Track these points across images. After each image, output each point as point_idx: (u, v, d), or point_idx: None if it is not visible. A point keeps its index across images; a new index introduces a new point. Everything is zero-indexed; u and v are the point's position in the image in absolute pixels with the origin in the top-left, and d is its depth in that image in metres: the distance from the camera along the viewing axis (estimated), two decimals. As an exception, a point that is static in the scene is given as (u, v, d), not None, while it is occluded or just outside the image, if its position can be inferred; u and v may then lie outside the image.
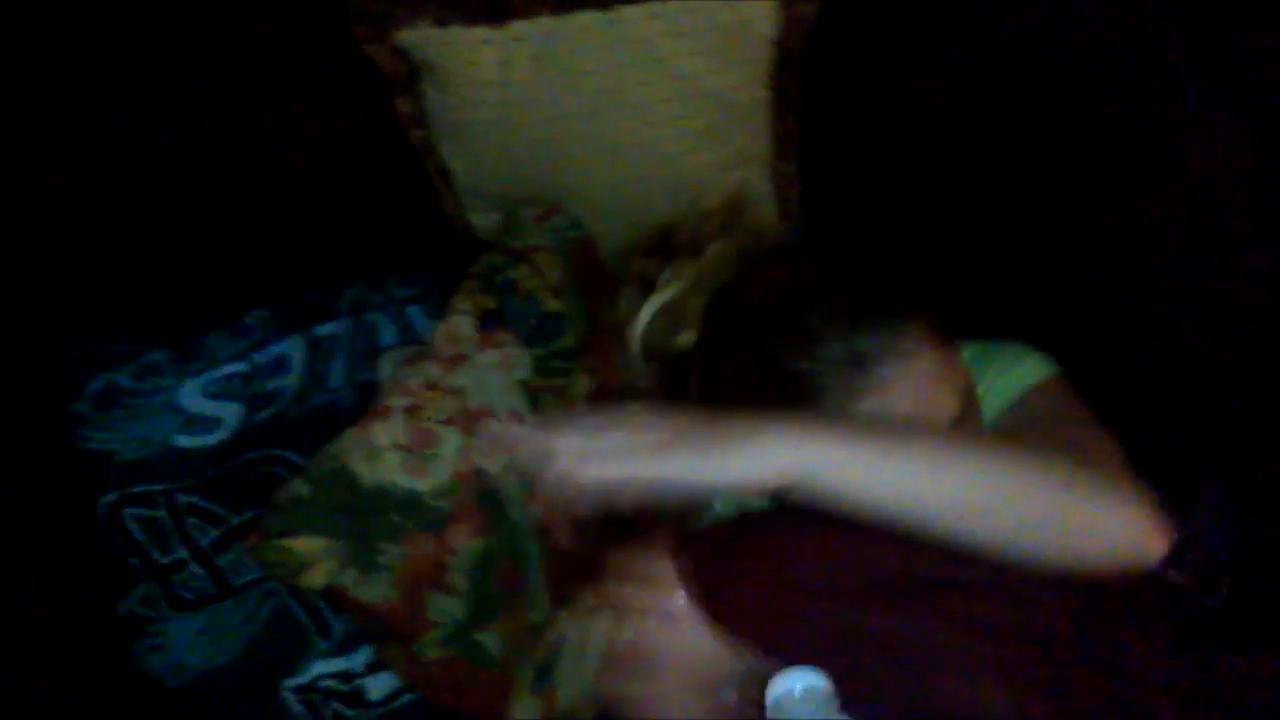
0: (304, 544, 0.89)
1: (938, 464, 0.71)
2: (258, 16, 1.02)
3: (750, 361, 0.85)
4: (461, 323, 0.99)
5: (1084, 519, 0.72)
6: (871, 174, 1.16)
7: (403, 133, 1.11)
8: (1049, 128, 1.04)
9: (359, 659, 1.03)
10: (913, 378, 0.81)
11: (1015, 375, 0.91)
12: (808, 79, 1.10)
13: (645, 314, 0.93)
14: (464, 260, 1.09)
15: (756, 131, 1.13)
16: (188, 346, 0.99)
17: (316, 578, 0.90)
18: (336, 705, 1.02)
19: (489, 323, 1.01)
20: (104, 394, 0.96)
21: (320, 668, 1.02)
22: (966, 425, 0.84)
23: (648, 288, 0.95)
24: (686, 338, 0.92)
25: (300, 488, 0.91)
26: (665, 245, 0.97)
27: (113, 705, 0.97)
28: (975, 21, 1.05)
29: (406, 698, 1.02)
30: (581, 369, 1.06)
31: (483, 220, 1.20)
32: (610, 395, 1.04)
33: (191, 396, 0.97)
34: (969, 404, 0.86)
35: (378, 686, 1.03)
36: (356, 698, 1.03)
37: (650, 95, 1.10)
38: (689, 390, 0.92)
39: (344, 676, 1.03)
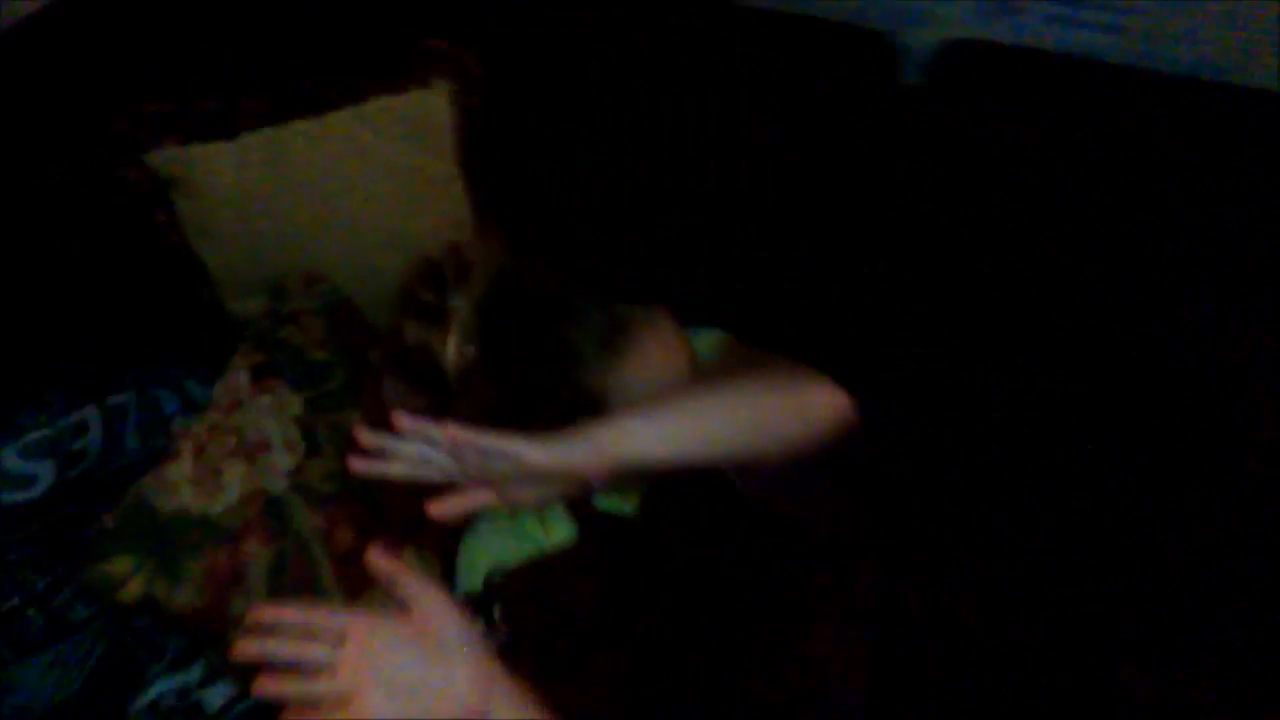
0: (117, 565, 1.09)
1: (703, 416, 0.95)
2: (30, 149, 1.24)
3: (534, 340, 1.04)
4: (238, 375, 1.23)
5: (801, 402, 0.99)
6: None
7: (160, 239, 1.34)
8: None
9: (194, 674, 1.21)
10: (660, 337, 1.06)
11: (705, 343, 1.19)
12: (486, 152, 1.38)
13: (454, 339, 1.07)
14: (226, 341, 1.31)
15: (455, 199, 1.41)
16: (11, 419, 1.18)
17: (133, 591, 1.10)
18: (179, 715, 1.20)
19: (261, 373, 1.24)
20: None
21: (159, 687, 1.20)
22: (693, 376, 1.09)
23: (436, 315, 1.13)
24: (470, 350, 1.09)
25: (109, 522, 1.11)
26: (437, 277, 1.17)
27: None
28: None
29: (242, 705, 1.19)
30: (350, 406, 1.29)
31: (239, 306, 1.41)
32: (376, 425, 1.26)
33: (10, 458, 1.15)
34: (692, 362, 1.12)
35: (214, 697, 1.21)
36: (196, 710, 1.20)
37: (363, 180, 1.36)
38: (475, 394, 1.07)
39: (182, 693, 1.21)
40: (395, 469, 0.89)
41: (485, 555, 1.13)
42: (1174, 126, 1.27)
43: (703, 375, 1.12)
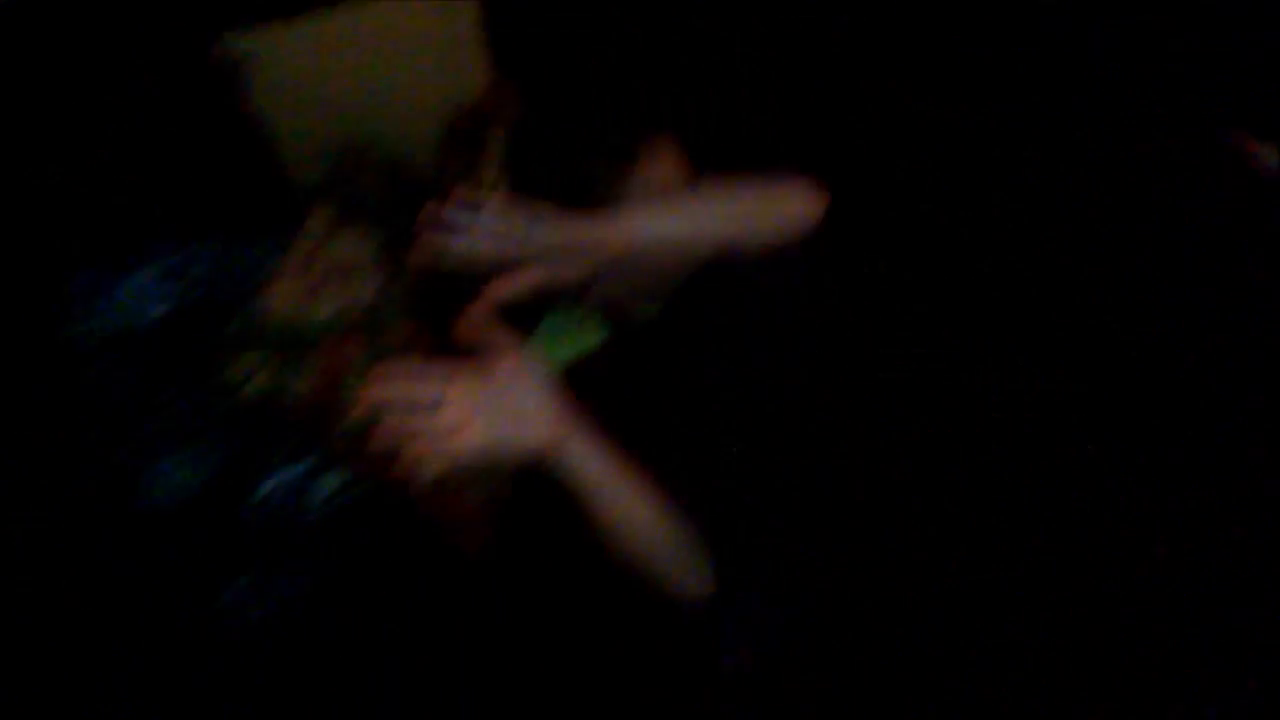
0: (244, 362, 1.30)
1: (697, 208, 1.18)
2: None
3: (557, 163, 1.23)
4: (324, 216, 1.44)
5: (773, 199, 1.22)
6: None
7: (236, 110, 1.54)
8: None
9: (300, 469, 1.41)
10: (665, 158, 1.26)
11: None
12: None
13: (491, 166, 1.33)
14: (294, 206, 1.52)
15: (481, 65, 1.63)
16: (130, 249, 1.38)
17: (258, 384, 1.30)
18: (290, 508, 1.40)
19: (343, 214, 1.45)
20: (79, 289, 1.34)
21: (271, 482, 1.40)
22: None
23: (476, 144, 1.34)
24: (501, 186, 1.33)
25: (235, 327, 1.31)
26: (476, 115, 1.39)
27: (118, 540, 1.32)
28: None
29: (348, 495, 1.39)
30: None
31: (301, 173, 1.62)
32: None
33: (146, 278, 1.35)
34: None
35: (320, 489, 1.41)
36: (304, 502, 1.41)
37: (403, 52, 1.57)
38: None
39: (291, 486, 1.41)
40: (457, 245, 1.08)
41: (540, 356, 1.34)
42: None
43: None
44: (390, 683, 1.32)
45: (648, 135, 1.31)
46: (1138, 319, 1.28)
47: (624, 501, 1.06)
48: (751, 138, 1.60)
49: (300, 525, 1.40)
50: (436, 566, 1.39)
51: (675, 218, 1.17)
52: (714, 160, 1.41)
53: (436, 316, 1.43)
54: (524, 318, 1.37)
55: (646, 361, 1.29)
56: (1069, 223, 1.36)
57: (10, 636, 1.25)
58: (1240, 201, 1.34)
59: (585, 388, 1.28)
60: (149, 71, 1.47)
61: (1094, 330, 1.28)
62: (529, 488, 1.27)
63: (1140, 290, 1.29)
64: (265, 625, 1.36)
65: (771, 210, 1.22)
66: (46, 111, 1.41)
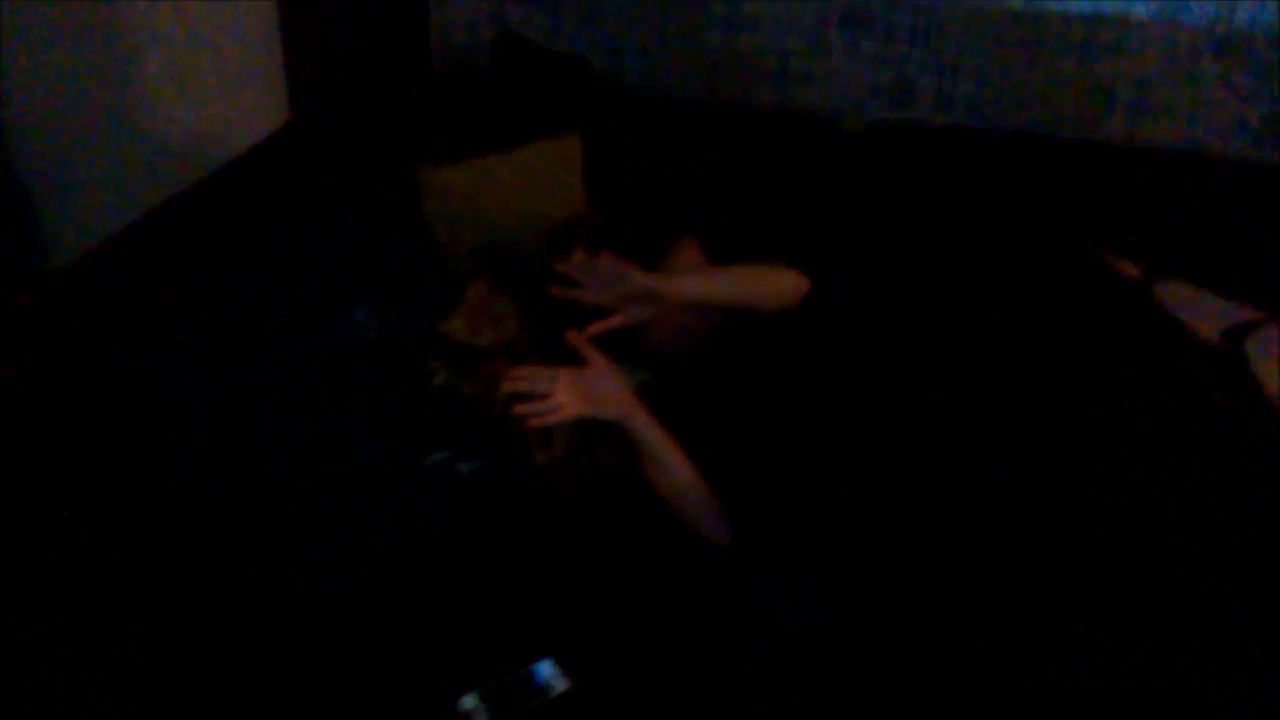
0: (433, 364, 1.95)
1: (721, 277, 1.89)
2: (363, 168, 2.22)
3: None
4: (482, 284, 2.09)
5: (776, 276, 1.91)
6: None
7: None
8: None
9: (450, 451, 2.02)
10: (687, 249, 2.02)
11: None
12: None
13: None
14: (452, 286, 2.21)
15: (578, 201, 2.38)
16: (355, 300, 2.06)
17: (440, 379, 1.93)
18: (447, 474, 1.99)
19: (494, 287, 2.12)
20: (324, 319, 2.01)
21: (435, 458, 2.00)
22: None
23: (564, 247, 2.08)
24: None
25: (427, 344, 1.97)
26: (565, 230, 2.16)
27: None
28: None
29: (482, 474, 1.90)
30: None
31: (453, 266, 2.31)
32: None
33: (361, 314, 2.03)
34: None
35: (465, 466, 1.99)
36: (456, 474, 1.99)
37: (531, 190, 2.32)
38: None
39: (448, 462, 2.00)
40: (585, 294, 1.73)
41: None
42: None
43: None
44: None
45: (679, 237, 2.04)
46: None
47: (673, 464, 1.65)
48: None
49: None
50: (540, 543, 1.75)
51: (706, 279, 1.86)
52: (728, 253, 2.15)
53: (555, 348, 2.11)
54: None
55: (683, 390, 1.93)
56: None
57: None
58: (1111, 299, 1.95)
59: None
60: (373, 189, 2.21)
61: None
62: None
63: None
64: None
65: (772, 285, 1.91)
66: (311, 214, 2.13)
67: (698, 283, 1.84)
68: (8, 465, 1.54)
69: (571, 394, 1.59)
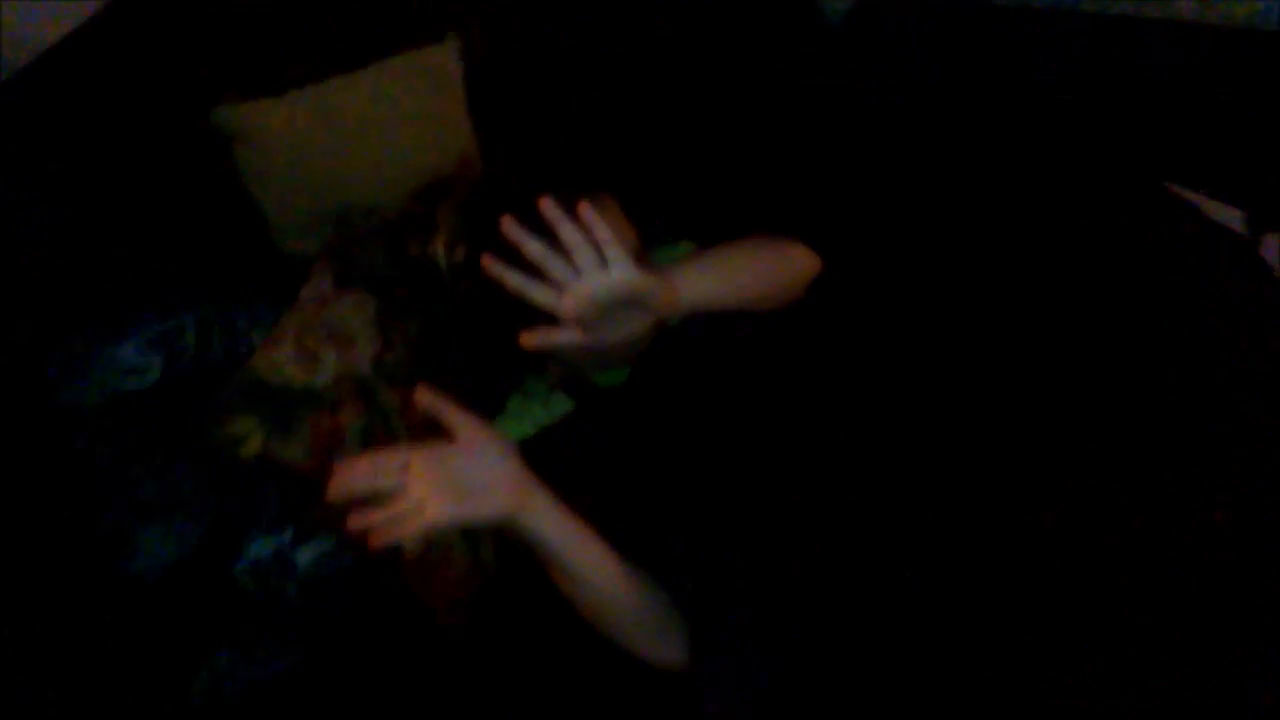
0: (240, 424, 1.29)
1: (731, 269, 1.24)
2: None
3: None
4: (322, 282, 1.44)
5: (789, 255, 1.29)
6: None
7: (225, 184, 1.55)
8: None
9: (287, 537, 1.40)
10: (606, 217, 1.30)
11: (679, 251, 1.45)
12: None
13: (443, 242, 1.38)
14: (284, 275, 1.53)
15: (464, 138, 1.66)
16: (116, 320, 1.37)
17: (252, 447, 1.29)
18: (276, 576, 1.39)
19: (340, 281, 1.45)
20: (65, 359, 1.32)
21: (258, 549, 1.39)
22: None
23: (427, 224, 1.40)
24: (460, 251, 1.38)
25: (229, 390, 1.31)
26: (426, 195, 1.43)
27: (102, 606, 1.30)
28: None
29: (329, 565, 1.38)
30: (411, 314, 1.50)
31: (290, 243, 1.63)
32: (434, 329, 1.47)
33: (128, 351, 1.35)
34: (642, 257, 1.35)
35: (305, 555, 1.41)
36: (290, 568, 1.40)
37: (390, 125, 1.60)
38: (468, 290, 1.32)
39: (278, 553, 1.40)
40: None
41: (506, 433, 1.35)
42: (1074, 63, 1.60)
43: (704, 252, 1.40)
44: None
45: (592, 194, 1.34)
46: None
47: (590, 570, 1.10)
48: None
49: (284, 593, 1.38)
50: (419, 637, 1.39)
51: (717, 276, 1.21)
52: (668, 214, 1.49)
53: (437, 380, 1.45)
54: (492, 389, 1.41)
55: (616, 427, 1.32)
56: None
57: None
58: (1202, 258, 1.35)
59: (554, 454, 1.29)
60: (140, 143, 1.49)
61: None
62: (510, 560, 1.29)
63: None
64: (246, 699, 1.34)
65: (785, 272, 1.29)
66: (40, 182, 1.41)
67: (703, 283, 1.21)
68: None
69: (433, 488, 0.99)
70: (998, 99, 1.68)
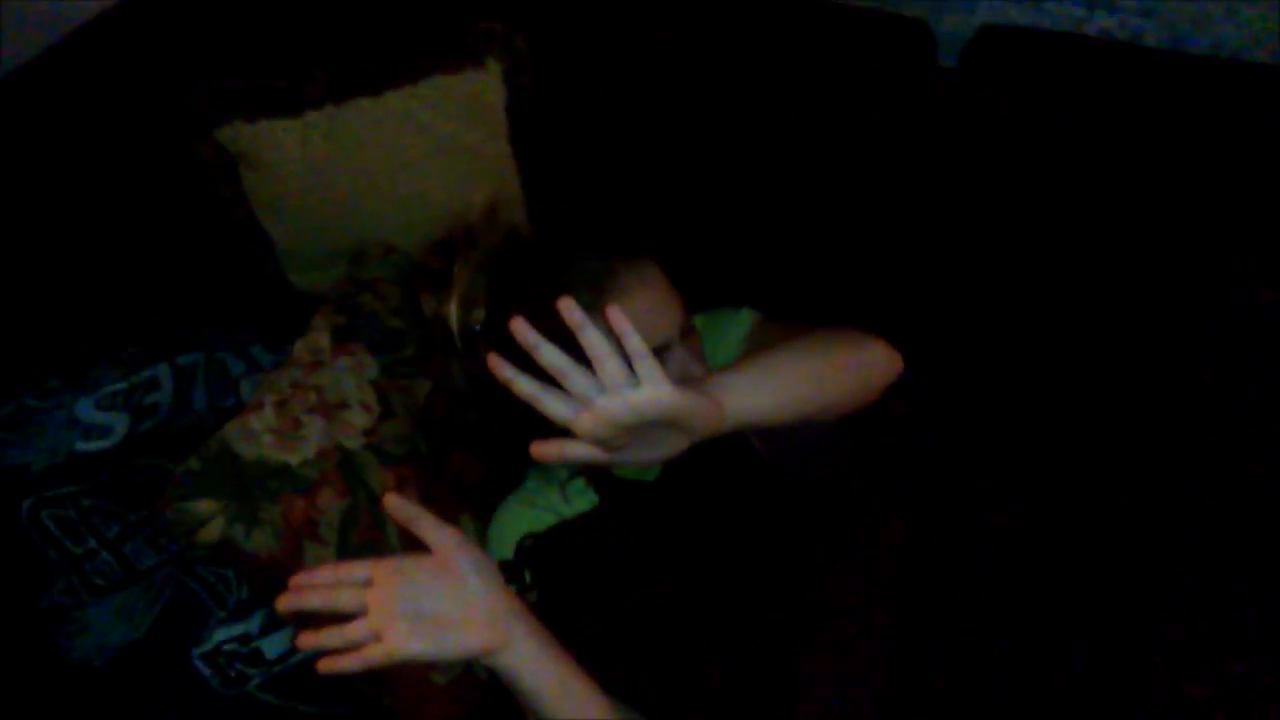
0: (201, 506, 1.13)
1: (791, 376, 0.98)
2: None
3: (537, 293, 0.98)
4: (320, 336, 1.27)
5: (864, 358, 1.05)
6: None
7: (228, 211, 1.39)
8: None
9: (254, 623, 1.25)
10: (647, 289, 1.09)
11: (738, 321, 1.24)
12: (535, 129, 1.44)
13: (457, 302, 1.19)
14: (289, 310, 1.36)
15: (505, 175, 1.46)
16: (78, 372, 1.22)
17: (212, 533, 1.13)
18: (239, 665, 1.24)
19: (341, 336, 1.28)
20: (14, 415, 1.18)
21: (222, 634, 1.24)
22: (690, 350, 1.11)
23: (442, 282, 1.22)
24: (479, 314, 1.20)
25: (193, 464, 1.15)
26: (446, 248, 1.25)
27: (44, 691, 1.16)
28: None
29: (299, 655, 1.24)
30: (421, 375, 1.33)
31: (299, 278, 1.47)
32: (445, 395, 1.31)
33: (86, 409, 1.20)
34: (690, 335, 1.14)
35: (272, 646, 1.25)
36: (256, 657, 1.25)
37: (418, 156, 1.41)
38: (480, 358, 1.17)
39: (243, 640, 1.25)
40: (522, 387, 0.82)
41: (515, 526, 1.19)
42: (1202, 108, 1.33)
43: (759, 343, 1.18)
44: None
45: (633, 257, 1.13)
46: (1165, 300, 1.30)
47: (568, 709, 0.90)
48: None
49: (246, 685, 1.24)
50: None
51: (773, 387, 0.96)
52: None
53: (423, 478, 1.27)
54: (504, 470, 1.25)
55: (640, 529, 1.17)
56: (1099, 204, 1.34)
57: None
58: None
59: (566, 557, 1.16)
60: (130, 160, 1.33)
61: (1117, 313, 1.30)
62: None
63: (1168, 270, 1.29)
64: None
65: (858, 365, 1.05)
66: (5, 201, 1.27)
67: (756, 398, 0.94)
68: None
69: (394, 615, 0.84)
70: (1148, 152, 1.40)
